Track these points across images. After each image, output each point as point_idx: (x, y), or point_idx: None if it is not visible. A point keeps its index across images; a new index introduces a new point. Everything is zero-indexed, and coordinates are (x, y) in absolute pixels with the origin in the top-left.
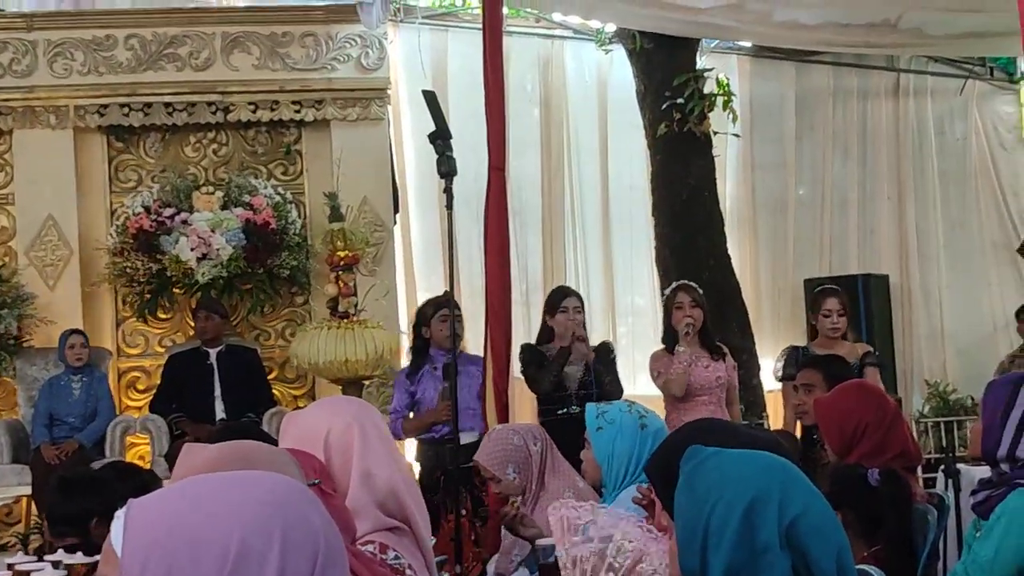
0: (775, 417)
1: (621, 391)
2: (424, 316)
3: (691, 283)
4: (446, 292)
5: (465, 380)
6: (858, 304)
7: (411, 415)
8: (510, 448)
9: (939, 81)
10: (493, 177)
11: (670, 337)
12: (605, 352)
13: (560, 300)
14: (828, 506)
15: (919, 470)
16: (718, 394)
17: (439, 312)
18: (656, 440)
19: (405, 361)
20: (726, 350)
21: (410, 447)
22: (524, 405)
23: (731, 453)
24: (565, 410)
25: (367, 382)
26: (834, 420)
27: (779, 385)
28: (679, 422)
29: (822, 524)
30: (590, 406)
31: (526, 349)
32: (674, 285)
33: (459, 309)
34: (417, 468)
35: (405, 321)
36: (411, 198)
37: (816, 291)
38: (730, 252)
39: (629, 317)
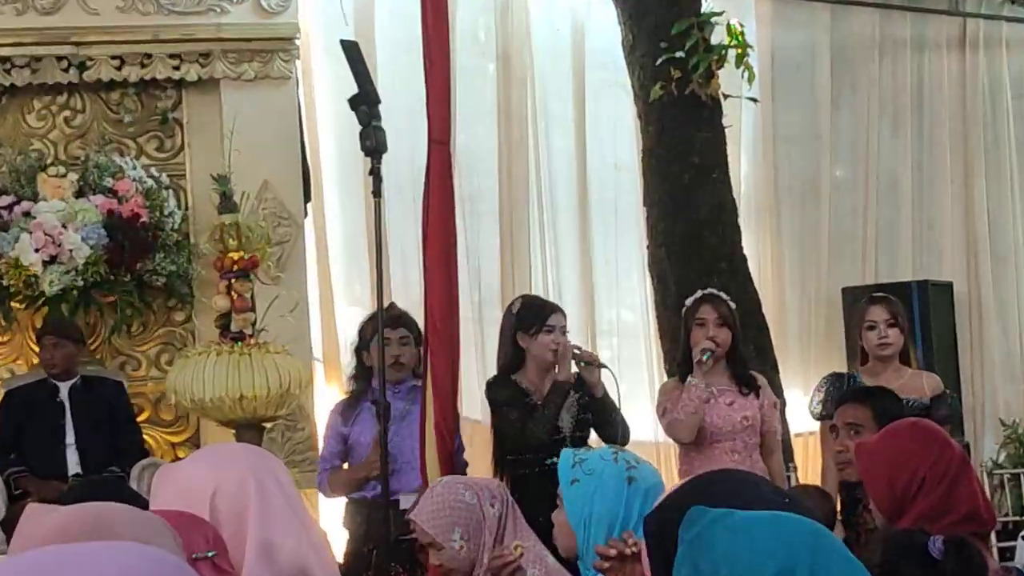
0: (808, 469)
1: (627, 430)
2: (364, 337)
3: (720, 294)
4: (392, 305)
5: (414, 424)
6: (912, 320)
7: (345, 466)
8: (459, 507)
9: (1018, 29)
10: (434, 154)
11: (687, 363)
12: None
13: (545, 316)
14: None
15: (993, 536)
16: (745, 440)
17: (396, 331)
18: (649, 500)
19: (321, 397)
20: (762, 382)
21: (339, 509)
22: (475, 453)
23: (746, 516)
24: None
25: (269, 425)
26: (881, 471)
27: (815, 425)
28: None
29: None
30: (565, 453)
31: (500, 385)
32: (698, 295)
33: (414, 330)
34: (345, 537)
35: (319, 344)
36: (327, 182)
37: (862, 301)
38: (746, 252)
39: (613, 337)
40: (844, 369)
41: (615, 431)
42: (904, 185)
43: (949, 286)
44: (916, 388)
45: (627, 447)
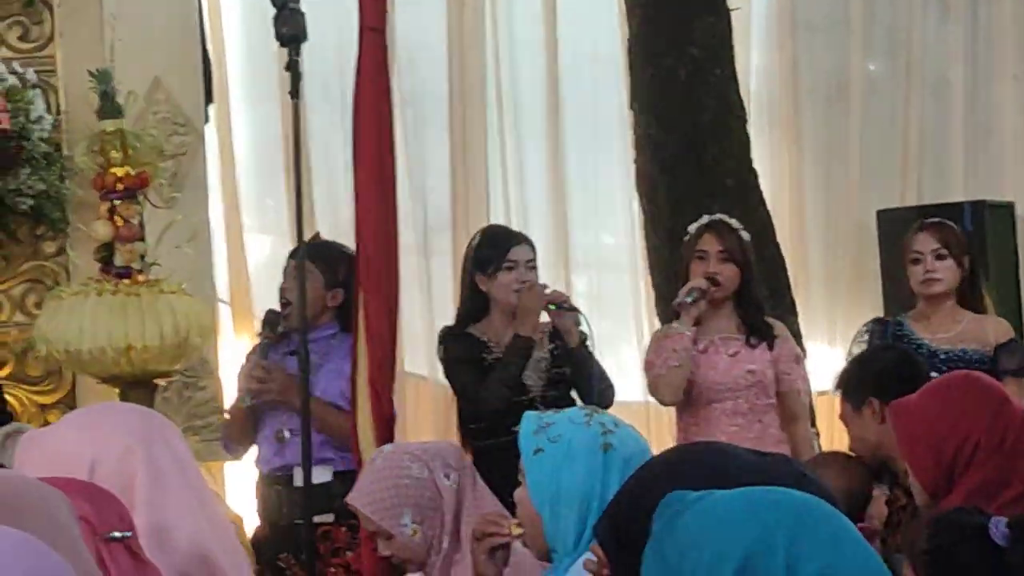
0: (834, 434)
1: (603, 377)
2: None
3: (731, 221)
4: (317, 235)
5: (331, 376)
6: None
7: None
8: (406, 484)
9: None
10: (366, 43)
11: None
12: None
13: (505, 250)
14: (875, 560)
15: None
16: (751, 400)
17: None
18: (629, 472)
19: (227, 348)
20: (780, 331)
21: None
22: (422, 417)
23: (722, 495)
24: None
25: (163, 383)
26: (924, 436)
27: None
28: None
29: None
30: (527, 417)
31: (452, 339)
32: (703, 221)
33: (329, 264)
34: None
35: (225, 282)
36: (233, 79)
37: (910, 231)
38: (757, 167)
39: (591, 270)
40: (880, 312)
41: (592, 390)
42: (955, 83)
43: (1010, 207)
44: (977, 336)
45: (610, 410)
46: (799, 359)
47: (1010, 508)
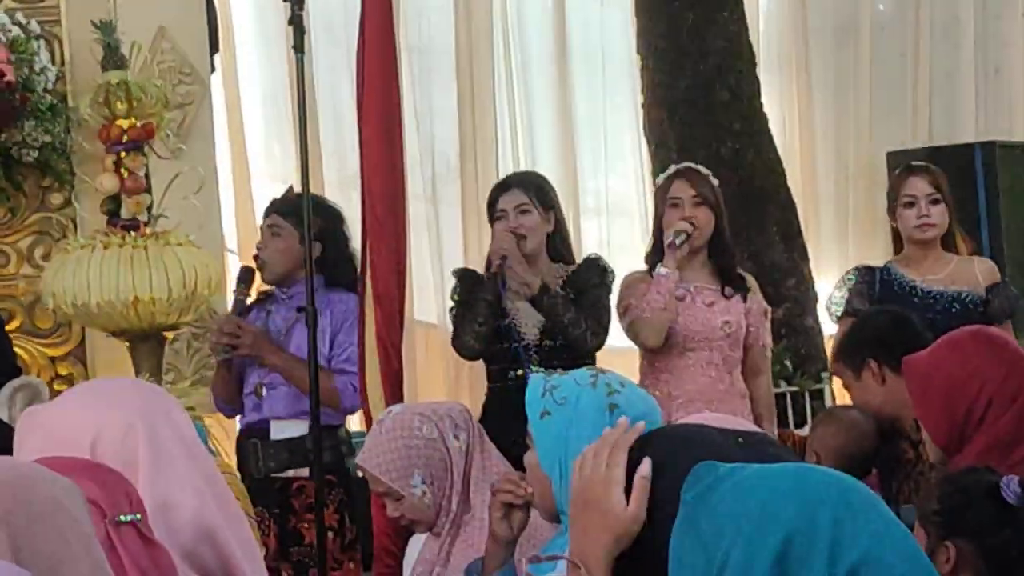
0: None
1: (597, 339)
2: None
3: (696, 166)
4: (290, 188)
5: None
6: (976, 191)
7: None
8: (416, 445)
9: None
10: None
11: (658, 253)
12: (591, 273)
13: (494, 200)
14: (915, 548)
15: None
16: (724, 351)
17: (267, 220)
18: None
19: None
20: (752, 284)
21: None
22: (432, 365)
23: (761, 469)
24: (519, 373)
25: (171, 335)
26: (936, 393)
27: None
28: (657, 392)
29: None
30: (534, 379)
31: (459, 278)
32: (671, 170)
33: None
34: None
35: (233, 232)
36: (240, 26)
37: (896, 173)
38: (767, 110)
39: (602, 216)
40: (892, 254)
41: (568, 334)
42: (965, 22)
43: (1021, 147)
44: (968, 278)
45: (611, 358)
46: (766, 314)
47: (1023, 465)
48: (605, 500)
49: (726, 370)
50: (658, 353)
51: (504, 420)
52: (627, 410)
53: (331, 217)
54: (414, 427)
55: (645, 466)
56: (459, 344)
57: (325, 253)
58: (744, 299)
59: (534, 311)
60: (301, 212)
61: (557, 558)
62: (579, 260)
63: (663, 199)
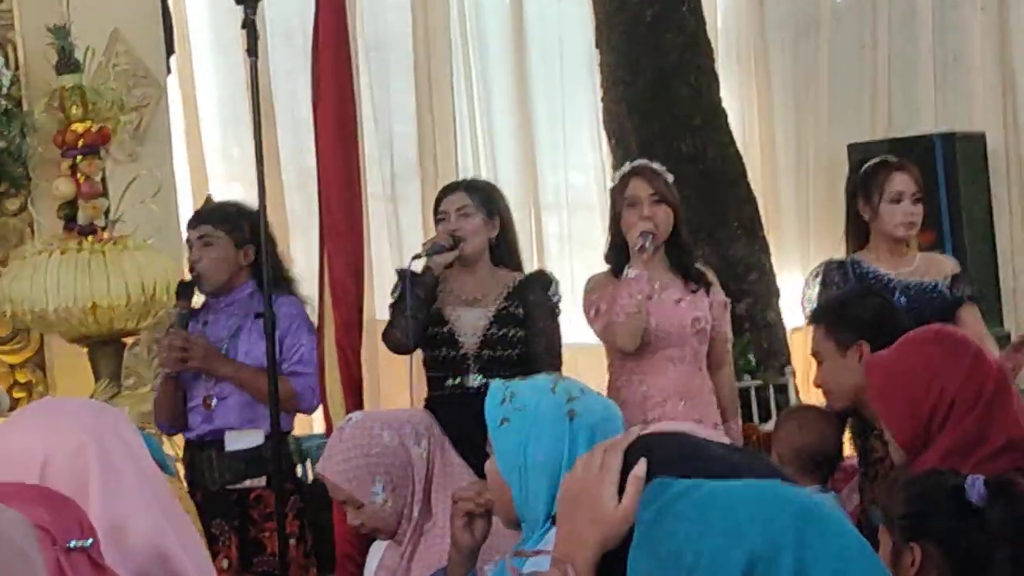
0: (806, 374)
1: (552, 352)
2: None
3: (652, 164)
4: (209, 198)
5: (255, 337)
6: (935, 183)
7: None
8: (376, 452)
9: None
10: None
11: (618, 253)
12: (535, 288)
13: (438, 203)
14: (881, 569)
15: None
16: (694, 347)
17: (196, 231)
18: (596, 439)
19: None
20: (712, 277)
21: None
22: (391, 365)
23: (719, 487)
24: (456, 381)
25: (130, 341)
26: (900, 393)
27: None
28: (631, 392)
29: None
30: (494, 386)
31: (402, 274)
32: (625, 168)
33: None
34: None
35: None
36: (195, 29)
37: (873, 165)
38: (726, 104)
39: (562, 209)
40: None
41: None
42: (923, 12)
43: (981, 138)
44: (938, 270)
45: (579, 356)
46: (727, 306)
47: (988, 463)
48: (597, 496)
49: (696, 365)
50: (629, 354)
51: (446, 428)
52: (586, 417)
53: (258, 220)
54: (375, 434)
55: (640, 466)
56: (387, 337)
57: (257, 254)
58: (708, 293)
59: (476, 320)
60: (232, 220)
61: (542, 553)
62: (542, 260)
63: (620, 198)
